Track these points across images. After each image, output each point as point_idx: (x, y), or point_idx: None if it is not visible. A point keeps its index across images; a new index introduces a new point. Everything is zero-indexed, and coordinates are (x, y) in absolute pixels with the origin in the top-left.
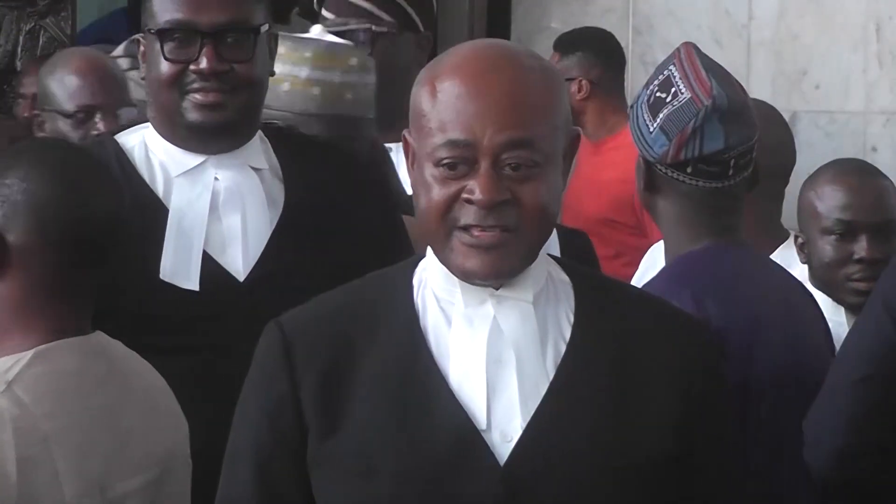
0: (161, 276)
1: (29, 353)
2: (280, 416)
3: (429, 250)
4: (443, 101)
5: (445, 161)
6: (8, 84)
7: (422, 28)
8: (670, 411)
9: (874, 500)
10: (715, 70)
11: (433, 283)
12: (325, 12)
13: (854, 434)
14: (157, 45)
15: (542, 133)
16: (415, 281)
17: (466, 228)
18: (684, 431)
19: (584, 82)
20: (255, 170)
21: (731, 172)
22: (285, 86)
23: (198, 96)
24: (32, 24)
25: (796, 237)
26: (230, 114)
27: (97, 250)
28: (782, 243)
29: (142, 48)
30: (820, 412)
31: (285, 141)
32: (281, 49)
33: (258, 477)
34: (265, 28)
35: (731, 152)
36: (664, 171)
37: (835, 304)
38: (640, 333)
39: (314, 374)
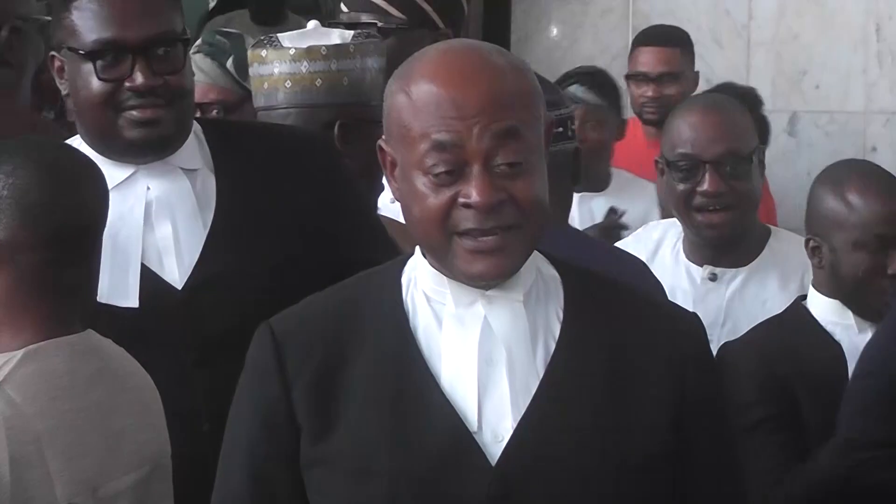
0: (98, 298)
1: (19, 353)
2: (272, 417)
3: (417, 250)
4: (422, 107)
5: (436, 169)
6: None
7: (441, 25)
8: (663, 407)
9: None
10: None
11: (422, 284)
12: (342, 4)
13: (856, 427)
14: (88, 65)
15: (526, 122)
16: (403, 280)
17: (467, 233)
18: (678, 427)
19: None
20: (189, 171)
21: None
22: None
23: (135, 113)
24: None
25: (808, 240)
26: (167, 127)
27: (85, 247)
28: None
29: (57, 64)
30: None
31: (220, 132)
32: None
33: (252, 479)
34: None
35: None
36: None
37: (841, 306)
38: (631, 329)
39: (306, 375)
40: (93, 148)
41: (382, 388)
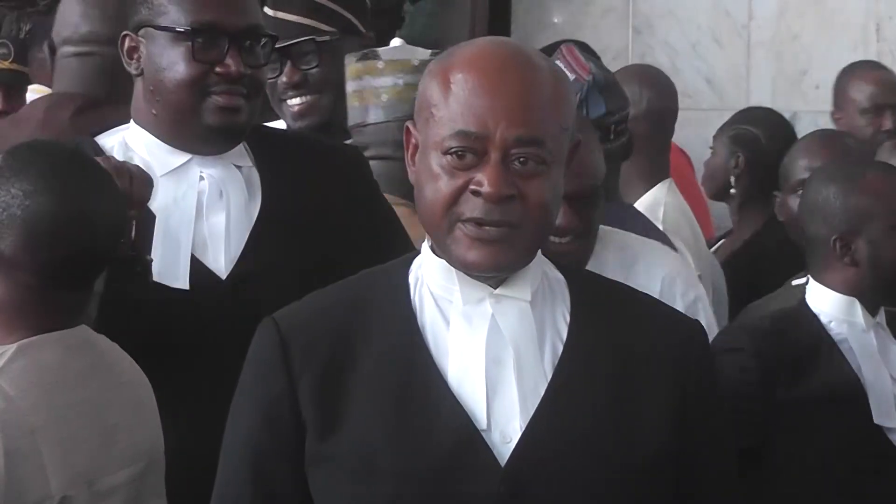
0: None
1: (12, 347)
2: (277, 414)
3: (424, 248)
4: (456, 92)
5: (455, 150)
6: None
7: (363, 30)
8: (668, 410)
9: None
10: (590, 58)
11: (430, 281)
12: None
13: None
14: (180, 46)
15: (551, 132)
16: (411, 279)
17: (471, 221)
18: (682, 429)
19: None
20: (238, 168)
21: (611, 137)
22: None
23: (220, 98)
24: (32, 24)
25: (835, 242)
26: (245, 118)
27: (85, 276)
28: None
29: (129, 44)
30: None
31: (261, 139)
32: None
33: (254, 476)
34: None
35: (611, 118)
36: None
37: (851, 302)
38: (636, 332)
39: (311, 372)
40: (157, 134)
41: (389, 386)
